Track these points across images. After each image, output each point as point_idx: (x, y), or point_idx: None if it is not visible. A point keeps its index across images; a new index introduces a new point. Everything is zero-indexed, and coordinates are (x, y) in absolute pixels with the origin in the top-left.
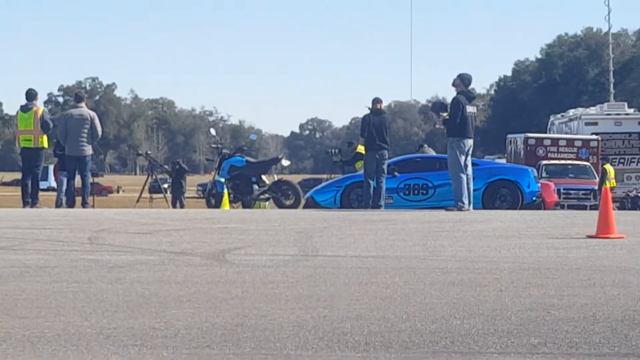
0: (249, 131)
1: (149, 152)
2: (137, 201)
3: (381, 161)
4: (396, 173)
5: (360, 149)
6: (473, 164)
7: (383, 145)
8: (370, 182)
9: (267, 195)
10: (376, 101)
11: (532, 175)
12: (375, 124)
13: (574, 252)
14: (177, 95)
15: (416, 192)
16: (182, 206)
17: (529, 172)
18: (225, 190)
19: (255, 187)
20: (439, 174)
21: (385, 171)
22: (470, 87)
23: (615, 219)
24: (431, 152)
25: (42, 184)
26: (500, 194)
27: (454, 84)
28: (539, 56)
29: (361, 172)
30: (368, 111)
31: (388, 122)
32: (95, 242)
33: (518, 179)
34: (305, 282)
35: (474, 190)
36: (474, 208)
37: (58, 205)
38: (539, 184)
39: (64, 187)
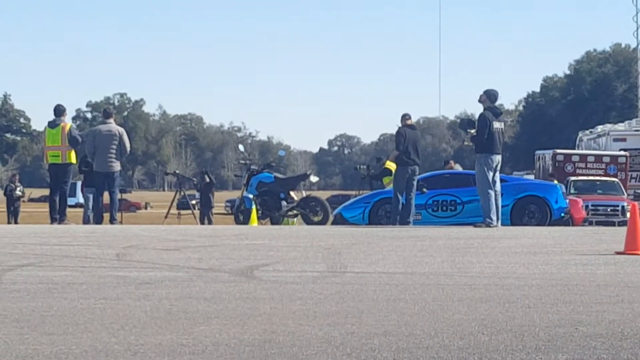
0: (277, 147)
1: (177, 171)
2: (165, 217)
3: (412, 177)
4: (424, 189)
5: (389, 164)
6: (501, 180)
7: (416, 161)
8: (400, 198)
9: (295, 212)
10: (406, 117)
11: (560, 192)
12: (409, 139)
13: (602, 269)
14: (205, 111)
15: (445, 208)
16: (210, 222)
17: (557, 188)
18: (254, 207)
19: (284, 203)
20: (468, 190)
21: (416, 187)
22: (498, 103)
23: None
24: (458, 168)
25: (70, 200)
26: (528, 210)
27: (480, 100)
28: (568, 72)
29: (389, 188)
30: (400, 127)
31: (419, 137)
32: (123, 258)
33: (546, 195)
34: (333, 298)
35: (502, 206)
36: (502, 224)
37: (85, 221)
38: (567, 200)
39: (91, 203)
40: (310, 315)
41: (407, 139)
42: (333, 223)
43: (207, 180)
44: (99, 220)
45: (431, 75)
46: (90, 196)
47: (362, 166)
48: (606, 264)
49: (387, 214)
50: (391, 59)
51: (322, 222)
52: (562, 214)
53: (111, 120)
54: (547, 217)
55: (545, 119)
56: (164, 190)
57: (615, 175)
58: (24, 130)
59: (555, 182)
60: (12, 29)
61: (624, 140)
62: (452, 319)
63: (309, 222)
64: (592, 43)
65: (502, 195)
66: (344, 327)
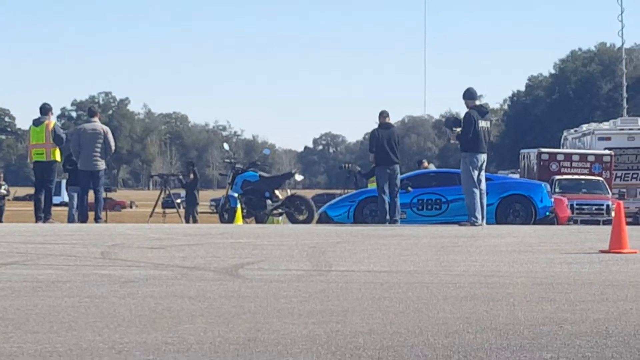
0: (262, 146)
1: (163, 173)
2: (150, 216)
3: (393, 175)
4: (410, 188)
5: None
6: (486, 179)
7: (393, 160)
8: (384, 197)
9: (280, 210)
10: (383, 115)
11: (545, 190)
12: (385, 138)
13: (586, 267)
14: (190, 110)
15: (429, 207)
16: (195, 220)
17: (542, 187)
18: (239, 205)
19: (269, 202)
20: (453, 189)
21: (399, 185)
22: (484, 101)
23: (628, 234)
24: (432, 168)
25: (55, 199)
26: (513, 209)
27: (466, 105)
28: (553, 71)
29: (373, 187)
30: (376, 126)
31: (397, 136)
32: (108, 257)
33: (531, 194)
34: (318, 297)
35: (487, 205)
36: (488, 223)
37: (70, 220)
38: (552, 199)
39: (75, 201)
40: (295, 314)
41: (382, 139)
42: (318, 222)
43: (192, 177)
44: (84, 219)
45: (416, 74)
46: (75, 195)
47: (347, 165)
48: (591, 262)
49: (372, 213)
50: (376, 58)
51: (307, 221)
52: (547, 213)
53: (96, 118)
54: (532, 216)
55: (530, 118)
56: (149, 189)
57: (600, 174)
58: (8, 129)
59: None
60: None
61: (609, 139)
62: (436, 317)
63: (293, 220)
64: (577, 42)
65: (487, 194)
66: (329, 326)
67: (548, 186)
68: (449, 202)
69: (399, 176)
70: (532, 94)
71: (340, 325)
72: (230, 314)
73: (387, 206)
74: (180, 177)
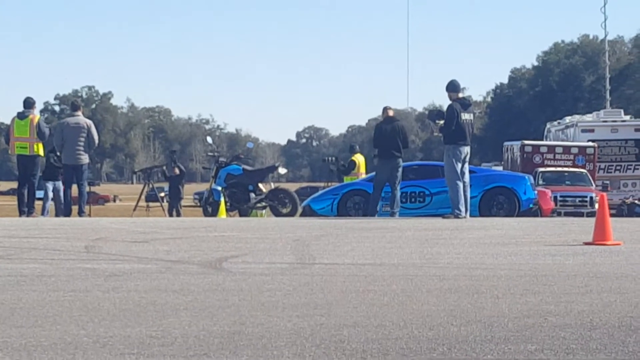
0: (245, 139)
1: (146, 167)
2: (134, 210)
3: (395, 169)
4: None
5: (355, 157)
6: (470, 172)
7: (396, 154)
8: (379, 190)
9: (264, 204)
10: (385, 109)
11: (528, 183)
12: (388, 132)
13: (570, 259)
14: (173, 104)
15: (413, 199)
16: (178, 214)
17: (525, 179)
18: (222, 199)
19: (252, 195)
20: (436, 182)
21: (400, 179)
22: (467, 94)
23: (612, 226)
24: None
25: (38, 193)
26: (497, 201)
27: (449, 98)
28: (536, 63)
29: (355, 180)
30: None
31: (402, 129)
32: (92, 250)
33: (515, 186)
34: (302, 289)
35: (471, 197)
36: (471, 215)
37: (45, 213)
38: (536, 191)
39: (50, 194)
40: (279, 307)
41: (384, 133)
42: (302, 215)
43: (178, 172)
44: (67, 213)
45: (399, 67)
46: (50, 186)
47: (330, 158)
48: (575, 254)
49: (356, 206)
50: (359, 51)
51: (291, 214)
52: (531, 205)
53: (79, 112)
54: (515, 208)
55: (513, 110)
56: (132, 183)
57: (583, 166)
58: None
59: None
60: None
61: (592, 131)
62: (421, 309)
63: (277, 214)
64: (560, 34)
65: (470, 186)
66: (313, 319)
67: (532, 178)
68: (432, 194)
69: (401, 169)
70: (515, 86)
71: (325, 318)
72: (215, 307)
73: (378, 200)
74: (164, 168)
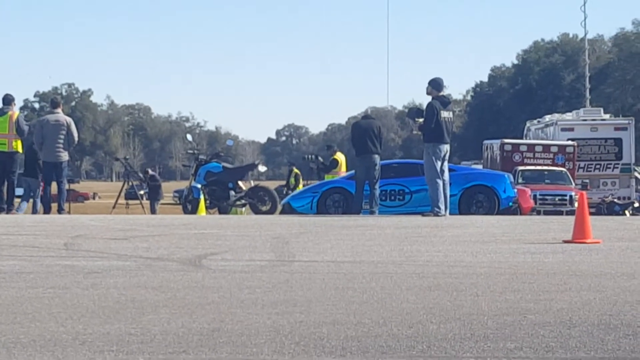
0: (225, 137)
1: (127, 157)
2: (114, 207)
3: (372, 167)
4: None
5: (337, 156)
6: (449, 170)
7: (372, 150)
8: (361, 188)
9: (243, 201)
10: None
11: (508, 181)
12: (365, 130)
13: (550, 257)
14: (153, 101)
15: (393, 197)
16: (153, 213)
17: (505, 177)
18: (202, 196)
19: (232, 193)
20: (416, 180)
21: (377, 177)
22: (447, 92)
23: (591, 224)
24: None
25: (18, 190)
26: (476, 199)
27: (428, 93)
28: (516, 62)
29: (335, 178)
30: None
31: (377, 127)
32: (71, 248)
33: (494, 185)
34: (282, 287)
35: (450, 196)
36: (451, 214)
37: (8, 209)
38: (515, 190)
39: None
40: (259, 304)
41: (362, 130)
42: (281, 212)
43: (156, 183)
44: (47, 210)
45: (379, 65)
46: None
47: (310, 156)
48: (554, 252)
49: (335, 204)
50: (339, 49)
51: (271, 212)
52: (510, 204)
53: (59, 110)
54: (495, 207)
55: (493, 109)
56: (112, 180)
57: (563, 165)
58: None
59: None
60: None
61: (572, 129)
62: (400, 307)
63: (257, 211)
64: (540, 33)
65: (450, 184)
66: (293, 316)
67: (511, 177)
68: (412, 192)
69: (379, 167)
70: (495, 84)
71: (304, 315)
72: (194, 304)
73: (362, 197)
74: (142, 177)
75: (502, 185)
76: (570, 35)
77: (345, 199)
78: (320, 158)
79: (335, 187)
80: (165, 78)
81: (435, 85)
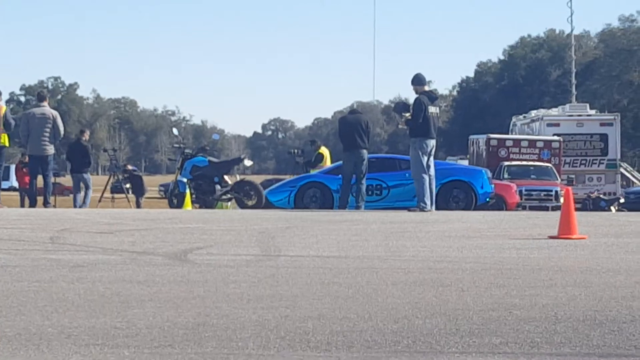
0: (211, 131)
1: (115, 149)
2: (99, 201)
3: (360, 162)
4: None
5: (322, 150)
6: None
7: (360, 145)
8: (348, 182)
9: (229, 196)
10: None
11: (485, 176)
12: (352, 124)
13: (535, 253)
14: (139, 95)
15: (370, 192)
16: (138, 207)
17: (482, 173)
18: (188, 191)
19: (218, 187)
20: (394, 175)
21: (364, 171)
22: (433, 87)
23: (577, 220)
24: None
25: (4, 184)
26: (453, 195)
27: (415, 91)
28: (502, 57)
29: (315, 172)
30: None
31: (365, 122)
32: (57, 241)
33: (472, 180)
34: (268, 281)
35: None
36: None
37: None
38: (493, 185)
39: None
40: (244, 299)
41: (349, 125)
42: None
43: (138, 178)
44: (32, 204)
45: (365, 59)
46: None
47: (295, 150)
48: (540, 248)
49: (313, 199)
50: (325, 43)
51: (256, 206)
52: (488, 199)
53: (45, 103)
54: (472, 202)
55: (479, 104)
56: (97, 174)
57: (548, 161)
58: None
59: None
60: None
61: (558, 125)
62: (386, 302)
63: (243, 206)
64: (526, 29)
65: None
66: (278, 311)
67: (489, 172)
68: (389, 187)
69: (366, 161)
70: (481, 80)
71: (290, 310)
72: (179, 298)
73: (348, 192)
74: (126, 175)
75: (479, 181)
76: (557, 31)
77: (322, 194)
78: (305, 153)
79: (313, 182)
80: (151, 72)
81: (417, 81)
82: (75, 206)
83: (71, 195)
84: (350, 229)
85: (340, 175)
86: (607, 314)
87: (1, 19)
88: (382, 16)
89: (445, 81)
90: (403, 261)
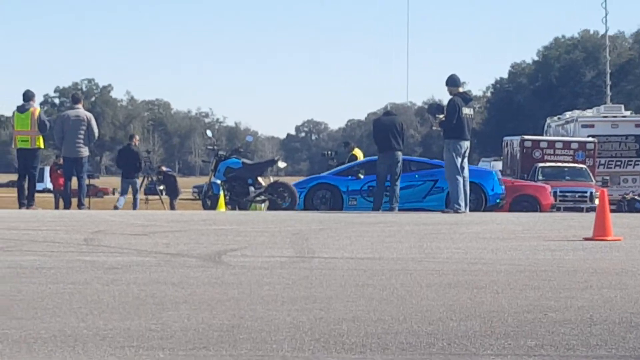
0: (245, 133)
1: (149, 150)
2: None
3: (395, 163)
4: (360, 175)
5: (356, 152)
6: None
7: (395, 147)
8: (382, 184)
9: (263, 197)
10: (386, 107)
11: (496, 178)
12: (386, 126)
13: (570, 254)
14: (173, 97)
15: None
16: (172, 209)
17: (492, 174)
18: (221, 192)
19: (252, 189)
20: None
21: (398, 173)
22: (467, 89)
23: (612, 221)
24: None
25: (38, 186)
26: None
27: (449, 92)
28: (536, 58)
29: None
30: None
31: (399, 123)
32: (91, 243)
33: (482, 182)
34: (302, 283)
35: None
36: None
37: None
38: (503, 187)
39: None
40: (279, 301)
41: (384, 127)
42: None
43: (172, 179)
44: (67, 206)
45: (399, 61)
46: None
47: (329, 152)
48: (575, 249)
49: (322, 200)
50: (359, 45)
51: (290, 208)
52: (498, 200)
53: (79, 105)
54: (482, 204)
55: (513, 106)
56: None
57: (583, 162)
58: None
59: None
60: None
61: (592, 126)
62: (420, 304)
63: (276, 207)
64: (560, 29)
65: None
66: (312, 313)
67: (499, 174)
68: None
69: (400, 163)
70: (515, 81)
71: (324, 312)
72: (214, 300)
73: (382, 193)
74: (160, 177)
75: (489, 182)
76: (591, 32)
77: (332, 195)
78: (338, 155)
79: (322, 183)
80: (184, 74)
81: (452, 82)
82: (117, 208)
83: (105, 197)
84: (383, 230)
85: (350, 177)
86: None
87: (35, 21)
88: (415, 17)
89: (479, 82)
90: (437, 263)
